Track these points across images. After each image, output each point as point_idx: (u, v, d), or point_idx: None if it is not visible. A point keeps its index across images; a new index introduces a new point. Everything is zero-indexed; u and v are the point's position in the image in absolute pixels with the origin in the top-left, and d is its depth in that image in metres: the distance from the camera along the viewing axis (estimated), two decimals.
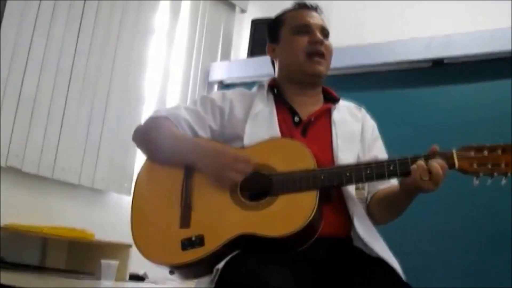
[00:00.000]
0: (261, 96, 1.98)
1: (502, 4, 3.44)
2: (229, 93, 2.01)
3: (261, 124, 1.88)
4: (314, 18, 1.97)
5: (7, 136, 3.03)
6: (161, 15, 4.09)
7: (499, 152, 1.61)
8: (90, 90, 3.48)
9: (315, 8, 2.01)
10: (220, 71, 4.35)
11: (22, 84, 3.12)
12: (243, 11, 4.74)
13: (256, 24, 4.29)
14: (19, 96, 3.11)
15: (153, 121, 1.96)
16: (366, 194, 1.85)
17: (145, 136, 1.95)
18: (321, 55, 1.93)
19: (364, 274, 1.64)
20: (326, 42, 1.95)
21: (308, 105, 1.96)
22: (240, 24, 4.75)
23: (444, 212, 3.06)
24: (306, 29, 1.95)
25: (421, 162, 1.60)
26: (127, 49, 3.74)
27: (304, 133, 1.88)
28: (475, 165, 1.61)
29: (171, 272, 1.75)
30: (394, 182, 1.88)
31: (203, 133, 1.92)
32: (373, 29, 3.84)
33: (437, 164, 1.59)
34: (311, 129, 1.90)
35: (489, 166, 1.61)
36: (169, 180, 1.80)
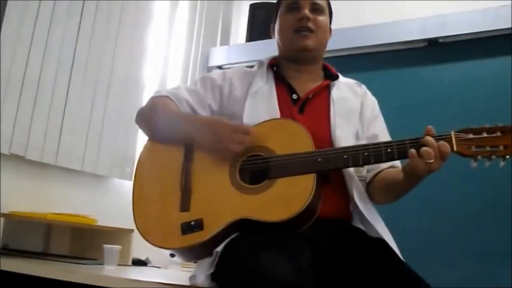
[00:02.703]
0: (261, 73, 2.00)
1: None
2: (229, 72, 2.02)
3: (260, 102, 1.90)
4: None
5: (11, 124, 3.04)
6: (161, 1, 4.08)
7: (498, 133, 1.60)
8: (91, 76, 3.48)
9: None
10: (219, 56, 4.36)
11: (25, 72, 3.12)
12: None
13: (254, 9, 4.27)
14: (22, 84, 3.11)
15: (154, 100, 1.98)
16: (364, 172, 1.87)
17: (146, 115, 1.97)
18: (308, 29, 1.92)
19: (364, 255, 1.67)
20: (315, 17, 1.94)
21: (306, 82, 1.97)
22: (238, 9, 4.74)
23: (443, 190, 3.06)
24: (295, 5, 1.96)
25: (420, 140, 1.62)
26: (128, 35, 3.73)
27: (301, 110, 1.89)
28: (473, 148, 1.61)
29: (172, 255, 1.77)
30: (397, 162, 1.89)
31: (203, 113, 1.94)
32: (368, 10, 3.85)
33: (429, 140, 1.60)
34: (308, 106, 1.91)
35: (488, 148, 1.60)
36: (169, 163, 1.83)
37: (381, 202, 1.91)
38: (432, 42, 3.46)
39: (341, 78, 2.04)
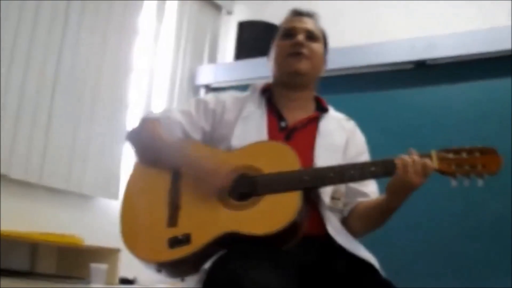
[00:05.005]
0: (253, 98, 2.01)
1: (484, 4, 3.54)
2: (223, 95, 2.04)
3: (250, 126, 1.91)
4: (301, 22, 1.99)
5: None
6: (146, 16, 4.06)
7: (477, 154, 1.68)
8: (76, 94, 3.47)
9: (307, 14, 2.03)
10: (206, 75, 4.35)
11: (6, 90, 3.09)
12: (229, 12, 4.73)
13: (243, 27, 4.25)
14: (7, 101, 3.09)
15: (144, 123, 1.98)
16: (341, 206, 1.88)
17: (136, 138, 1.97)
18: (302, 54, 1.94)
19: (347, 273, 1.68)
20: (309, 44, 1.96)
21: (296, 111, 1.98)
22: (226, 26, 4.73)
23: (428, 205, 3.06)
24: (290, 32, 1.98)
25: (404, 156, 1.67)
26: (112, 52, 3.72)
27: (287, 139, 1.90)
28: (453, 167, 1.68)
29: (159, 271, 1.77)
30: (373, 195, 1.92)
31: (195, 135, 1.94)
32: (356, 31, 3.89)
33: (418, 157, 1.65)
34: (295, 136, 1.92)
35: (467, 167, 1.67)
36: (158, 180, 1.84)
37: (359, 233, 1.89)
38: (420, 64, 3.52)
39: (331, 112, 2.05)
